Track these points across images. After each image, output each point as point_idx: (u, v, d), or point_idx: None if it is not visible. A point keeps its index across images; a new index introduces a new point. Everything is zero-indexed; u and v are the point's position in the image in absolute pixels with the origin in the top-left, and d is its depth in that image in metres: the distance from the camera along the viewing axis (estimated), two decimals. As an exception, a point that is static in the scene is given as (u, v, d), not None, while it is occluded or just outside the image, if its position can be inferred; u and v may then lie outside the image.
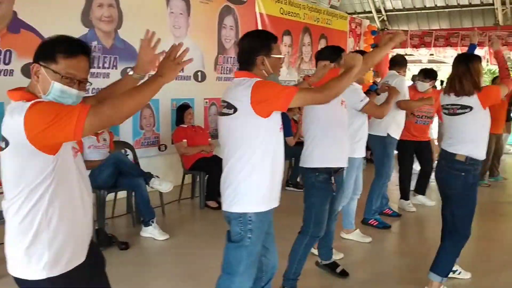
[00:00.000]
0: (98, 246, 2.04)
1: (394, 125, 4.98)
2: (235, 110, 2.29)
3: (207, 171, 5.55)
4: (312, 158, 3.22)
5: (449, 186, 3.34)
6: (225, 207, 2.39)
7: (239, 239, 2.33)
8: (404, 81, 5.11)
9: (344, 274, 3.75)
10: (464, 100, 3.23)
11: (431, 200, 6.05)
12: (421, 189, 6.08)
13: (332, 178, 3.22)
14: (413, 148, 5.61)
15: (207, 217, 5.41)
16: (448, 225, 3.40)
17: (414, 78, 8.09)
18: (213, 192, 5.51)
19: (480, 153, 3.27)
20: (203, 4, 7.03)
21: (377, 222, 5.11)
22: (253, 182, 2.31)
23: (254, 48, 2.37)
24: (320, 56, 3.53)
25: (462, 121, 3.27)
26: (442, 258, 3.37)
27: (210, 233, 4.67)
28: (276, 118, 2.35)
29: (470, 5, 11.38)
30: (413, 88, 5.68)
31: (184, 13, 6.76)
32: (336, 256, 4.07)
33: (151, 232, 4.62)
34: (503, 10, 10.88)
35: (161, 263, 4.11)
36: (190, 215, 5.59)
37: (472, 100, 3.21)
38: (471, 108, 3.21)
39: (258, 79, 2.30)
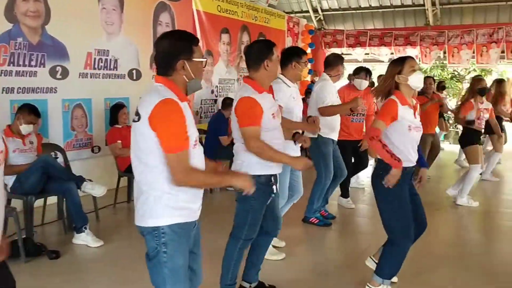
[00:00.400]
0: (7, 267, 1.80)
1: (325, 127, 4.80)
2: (139, 117, 2.10)
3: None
4: (251, 166, 3.05)
5: (373, 186, 3.31)
6: (137, 221, 2.18)
7: (155, 254, 2.13)
8: (325, 86, 4.90)
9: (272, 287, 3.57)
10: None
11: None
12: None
13: (273, 178, 3.14)
14: (351, 147, 5.60)
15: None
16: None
17: (350, 77, 8.20)
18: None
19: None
20: (137, 0, 6.78)
21: (318, 220, 5.10)
22: (162, 194, 2.11)
23: (173, 51, 2.14)
24: (248, 58, 3.17)
25: None
26: (381, 261, 3.36)
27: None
28: (190, 134, 2.13)
29: (403, 5, 11.72)
30: (348, 87, 5.72)
31: (117, 9, 6.49)
32: (280, 244, 4.13)
33: (84, 239, 4.38)
34: (433, 10, 11.28)
35: (95, 271, 3.90)
36: (126, 219, 5.35)
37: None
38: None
39: (167, 98, 2.06)
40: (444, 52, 11.20)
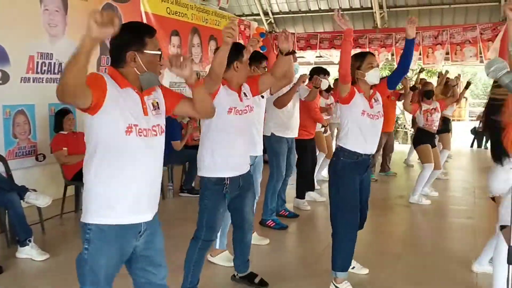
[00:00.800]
0: None
1: (276, 125, 4.96)
2: None
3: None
4: (201, 168, 3.13)
5: (328, 176, 3.49)
6: None
7: (82, 249, 2.11)
8: None
9: (263, 284, 3.57)
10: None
11: (321, 195, 6.18)
12: (311, 185, 6.16)
13: (227, 179, 3.09)
14: (310, 146, 5.70)
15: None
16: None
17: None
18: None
19: (349, 145, 3.35)
20: (81, 1, 6.52)
21: (274, 223, 5.06)
22: (92, 189, 2.07)
23: (123, 42, 2.08)
24: None
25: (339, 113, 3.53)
26: (332, 254, 3.44)
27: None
28: (114, 116, 2.01)
29: (351, 8, 11.90)
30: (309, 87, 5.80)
31: (61, 10, 6.22)
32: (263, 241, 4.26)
33: (28, 253, 4.13)
34: (380, 13, 11.51)
35: (40, 286, 3.68)
36: (73, 230, 5.07)
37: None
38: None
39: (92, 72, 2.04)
40: (392, 54, 11.45)
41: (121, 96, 2.03)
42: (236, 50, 3.13)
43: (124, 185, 2.07)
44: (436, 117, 6.19)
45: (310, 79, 5.56)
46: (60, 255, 4.23)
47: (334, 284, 3.43)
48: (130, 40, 2.08)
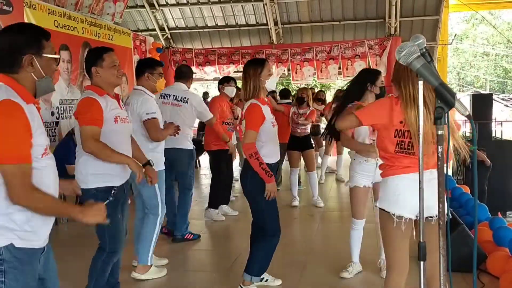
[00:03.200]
0: None
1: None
2: None
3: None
4: (87, 178, 2.94)
5: (243, 185, 3.46)
6: None
7: None
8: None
9: None
10: None
11: (233, 209, 6.10)
12: (226, 198, 6.06)
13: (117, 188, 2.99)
14: (225, 157, 5.61)
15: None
16: (256, 225, 3.50)
17: (206, 95, 8.37)
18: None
19: (268, 158, 3.38)
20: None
21: (191, 235, 4.97)
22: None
23: (18, 45, 1.89)
24: (85, 67, 3.14)
25: None
26: (252, 258, 3.45)
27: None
28: (39, 141, 1.86)
29: (247, 24, 12.08)
30: (221, 97, 5.76)
31: None
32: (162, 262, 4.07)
33: None
34: (276, 30, 11.79)
35: None
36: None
37: None
38: None
39: (3, 100, 1.78)
40: (288, 69, 11.74)
41: (30, 117, 1.82)
42: (95, 55, 3.02)
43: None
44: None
45: (205, 96, 5.57)
46: None
47: (241, 287, 3.46)
48: (27, 42, 1.90)
